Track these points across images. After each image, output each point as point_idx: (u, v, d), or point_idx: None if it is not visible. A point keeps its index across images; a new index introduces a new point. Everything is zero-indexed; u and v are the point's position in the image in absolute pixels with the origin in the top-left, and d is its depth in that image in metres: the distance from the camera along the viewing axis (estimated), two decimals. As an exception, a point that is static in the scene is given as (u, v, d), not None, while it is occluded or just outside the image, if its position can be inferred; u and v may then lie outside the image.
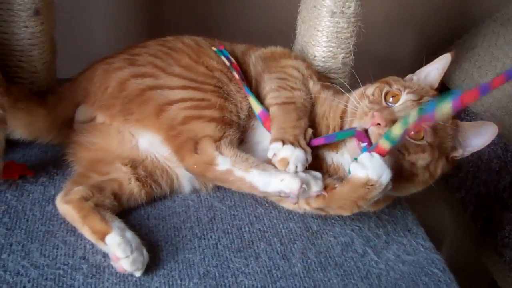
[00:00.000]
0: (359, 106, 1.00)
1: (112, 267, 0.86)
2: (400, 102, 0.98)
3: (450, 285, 0.91)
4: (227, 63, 1.09)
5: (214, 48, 1.11)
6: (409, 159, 0.95)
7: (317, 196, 0.94)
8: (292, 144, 0.95)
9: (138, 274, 0.85)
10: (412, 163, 0.96)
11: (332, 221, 1.02)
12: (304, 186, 0.90)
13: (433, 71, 1.07)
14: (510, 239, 1.20)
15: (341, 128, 1.04)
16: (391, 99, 0.99)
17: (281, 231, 0.99)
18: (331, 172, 1.04)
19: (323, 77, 1.23)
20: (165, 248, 0.92)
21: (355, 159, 0.91)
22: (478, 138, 0.96)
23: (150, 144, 1.02)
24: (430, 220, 1.28)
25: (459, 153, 0.99)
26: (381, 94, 1.00)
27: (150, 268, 0.87)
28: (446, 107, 0.81)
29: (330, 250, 0.96)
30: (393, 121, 0.92)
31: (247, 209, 1.03)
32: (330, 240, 0.98)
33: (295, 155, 0.93)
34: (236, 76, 1.08)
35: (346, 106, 1.03)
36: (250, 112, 1.07)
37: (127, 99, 1.01)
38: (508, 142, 1.30)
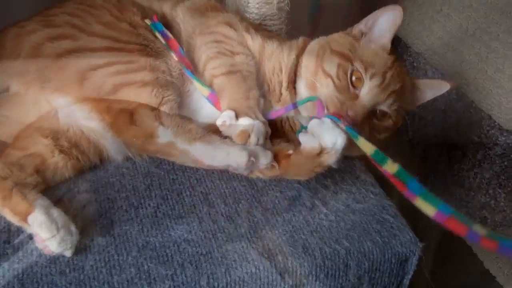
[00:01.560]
0: (323, 90, 0.94)
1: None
2: (366, 90, 0.93)
3: (403, 230, 0.89)
4: (163, 40, 1.00)
5: (147, 21, 1.02)
6: (379, 138, 0.97)
7: (270, 167, 0.90)
8: (249, 116, 0.89)
9: (68, 254, 0.79)
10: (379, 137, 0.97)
11: (278, 175, 0.97)
12: (252, 159, 0.85)
13: (383, 27, 0.97)
14: (459, 177, 1.21)
15: (295, 83, 1.00)
16: (354, 79, 0.93)
17: (225, 192, 0.93)
18: (286, 129, 0.99)
19: (260, 27, 1.15)
20: (99, 223, 0.85)
21: (305, 128, 0.87)
22: (431, 92, 1.02)
23: (72, 114, 0.93)
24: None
25: (413, 106, 1.03)
26: (347, 77, 0.94)
27: (83, 246, 0.80)
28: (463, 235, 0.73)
29: (277, 206, 0.91)
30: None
31: (187, 172, 0.96)
32: (276, 196, 0.93)
33: (256, 127, 0.88)
34: (175, 57, 0.98)
35: (296, 72, 0.99)
36: (183, 72, 0.98)
37: (43, 65, 0.92)
38: (451, 80, 1.29)
